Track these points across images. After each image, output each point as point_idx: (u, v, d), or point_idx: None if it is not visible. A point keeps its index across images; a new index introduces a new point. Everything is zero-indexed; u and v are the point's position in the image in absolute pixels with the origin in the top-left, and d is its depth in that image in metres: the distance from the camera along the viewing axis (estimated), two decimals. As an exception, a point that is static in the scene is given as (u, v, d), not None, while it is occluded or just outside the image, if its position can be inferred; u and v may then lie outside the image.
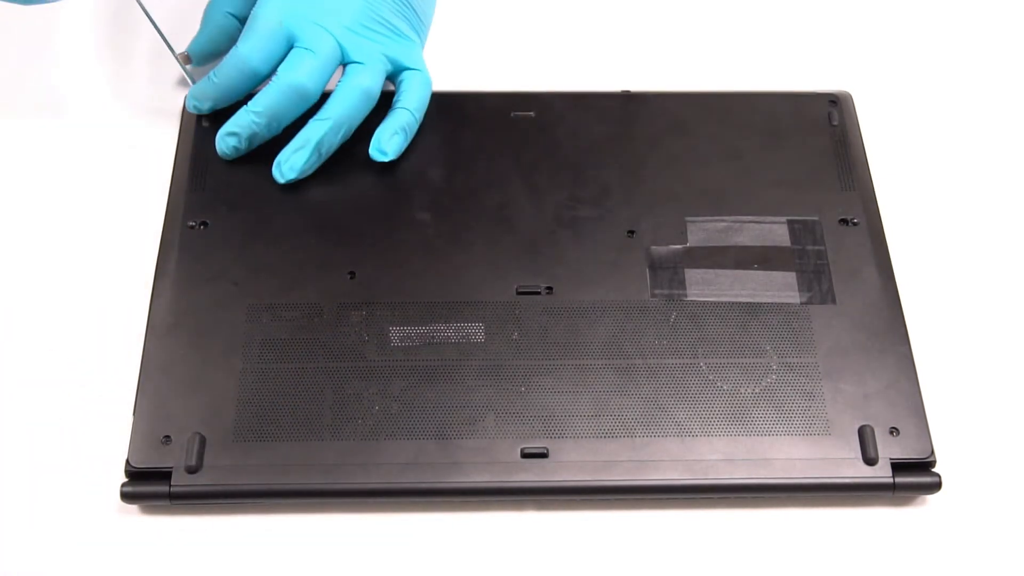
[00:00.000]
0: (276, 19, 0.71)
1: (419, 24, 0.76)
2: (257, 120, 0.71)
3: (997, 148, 0.78)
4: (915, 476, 0.63)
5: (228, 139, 0.72)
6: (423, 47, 0.77)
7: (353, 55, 0.72)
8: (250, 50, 0.71)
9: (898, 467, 0.63)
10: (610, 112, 0.76)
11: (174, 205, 0.71)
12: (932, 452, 0.63)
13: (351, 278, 0.68)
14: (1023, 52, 0.84)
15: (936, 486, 0.63)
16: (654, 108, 0.76)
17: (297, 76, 0.70)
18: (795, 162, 0.74)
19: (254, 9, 0.72)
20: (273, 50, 0.71)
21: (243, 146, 0.72)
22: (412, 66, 0.75)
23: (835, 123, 0.76)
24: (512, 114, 0.76)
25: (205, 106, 0.74)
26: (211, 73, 0.73)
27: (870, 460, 0.63)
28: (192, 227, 0.70)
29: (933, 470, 0.63)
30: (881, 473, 0.62)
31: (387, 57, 0.73)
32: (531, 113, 0.76)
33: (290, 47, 0.71)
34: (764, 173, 0.73)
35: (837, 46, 0.83)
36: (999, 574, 0.62)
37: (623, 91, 0.77)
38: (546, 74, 0.80)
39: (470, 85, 0.78)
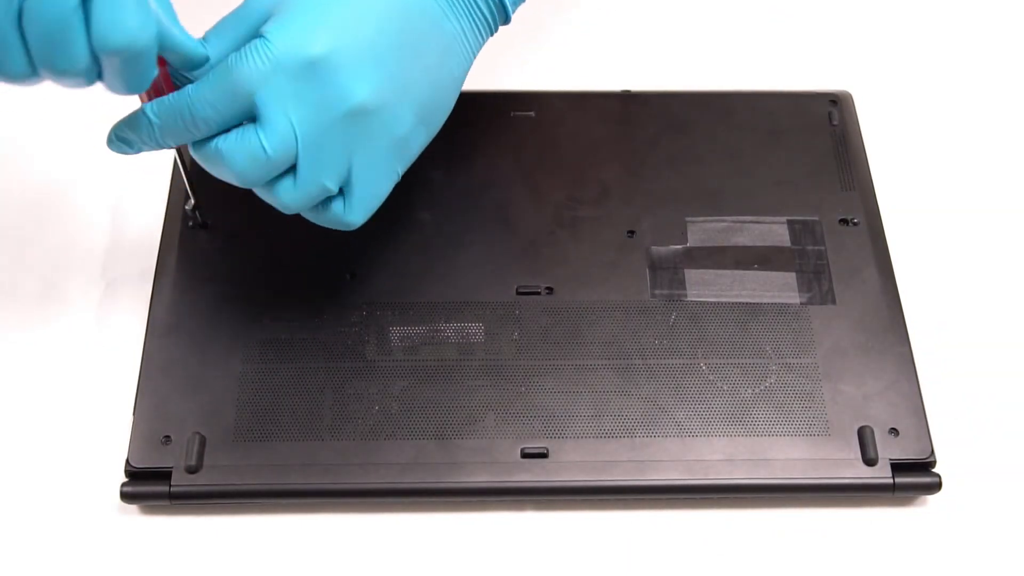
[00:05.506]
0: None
1: None
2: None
3: (997, 148, 0.78)
4: (915, 476, 0.63)
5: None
6: None
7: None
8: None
9: (898, 467, 0.63)
10: (610, 112, 0.76)
11: (174, 205, 0.71)
12: (932, 452, 0.63)
13: (351, 278, 0.68)
14: (1022, 52, 0.84)
15: (936, 486, 0.63)
16: (654, 108, 0.76)
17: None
18: (795, 162, 0.74)
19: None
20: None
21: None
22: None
23: (835, 123, 0.76)
24: (512, 114, 0.76)
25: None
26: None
27: (870, 461, 0.63)
28: (192, 227, 0.70)
29: (933, 470, 0.63)
30: (881, 473, 0.62)
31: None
32: (531, 113, 0.76)
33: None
34: (764, 173, 0.73)
35: (837, 46, 0.83)
36: (999, 574, 0.62)
37: (623, 91, 0.77)
38: (546, 74, 0.80)
39: (470, 85, 0.78)
